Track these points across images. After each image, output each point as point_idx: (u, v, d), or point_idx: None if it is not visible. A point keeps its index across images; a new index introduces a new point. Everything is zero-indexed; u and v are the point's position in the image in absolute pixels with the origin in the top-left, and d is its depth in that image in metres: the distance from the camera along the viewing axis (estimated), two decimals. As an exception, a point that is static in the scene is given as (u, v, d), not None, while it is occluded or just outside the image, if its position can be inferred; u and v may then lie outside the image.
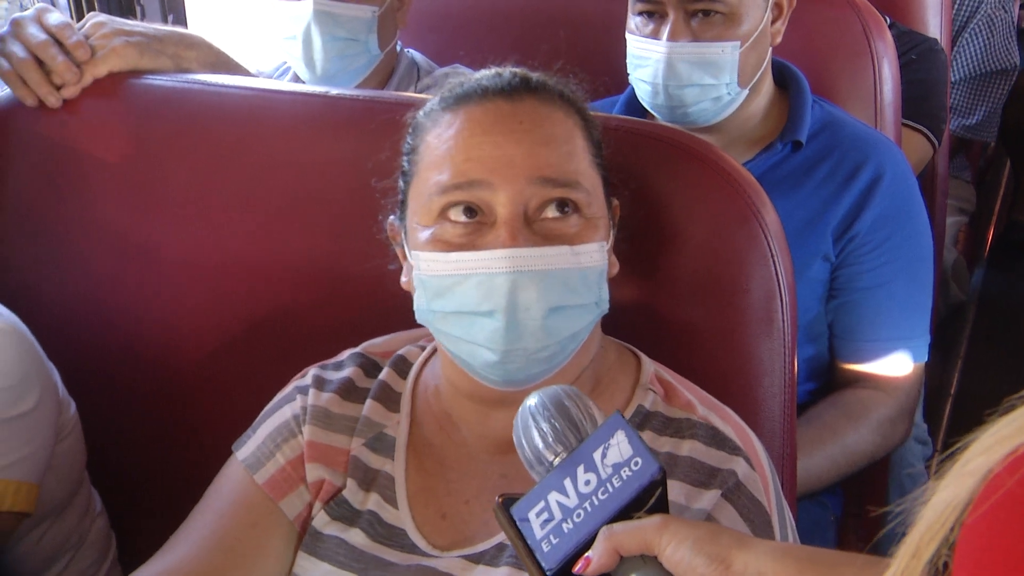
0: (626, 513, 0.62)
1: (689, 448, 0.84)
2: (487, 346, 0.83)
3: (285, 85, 1.49)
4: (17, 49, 1.17)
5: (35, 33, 1.17)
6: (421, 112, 0.91)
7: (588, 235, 0.85)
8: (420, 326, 0.90)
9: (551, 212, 0.84)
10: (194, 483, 0.95)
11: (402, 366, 0.97)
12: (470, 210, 0.84)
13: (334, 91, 1.17)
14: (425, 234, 0.86)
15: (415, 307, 0.89)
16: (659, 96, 1.36)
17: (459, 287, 0.83)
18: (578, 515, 0.63)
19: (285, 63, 1.71)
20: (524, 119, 0.84)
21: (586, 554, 0.62)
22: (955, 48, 2.43)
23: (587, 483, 0.63)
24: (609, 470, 0.63)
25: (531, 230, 0.83)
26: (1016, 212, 3.09)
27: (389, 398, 0.95)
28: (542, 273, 0.82)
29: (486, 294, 0.82)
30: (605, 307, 0.88)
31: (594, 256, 0.85)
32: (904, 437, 1.39)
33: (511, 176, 0.82)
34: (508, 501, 0.66)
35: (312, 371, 0.97)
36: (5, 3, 1.87)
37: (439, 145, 0.86)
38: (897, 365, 1.36)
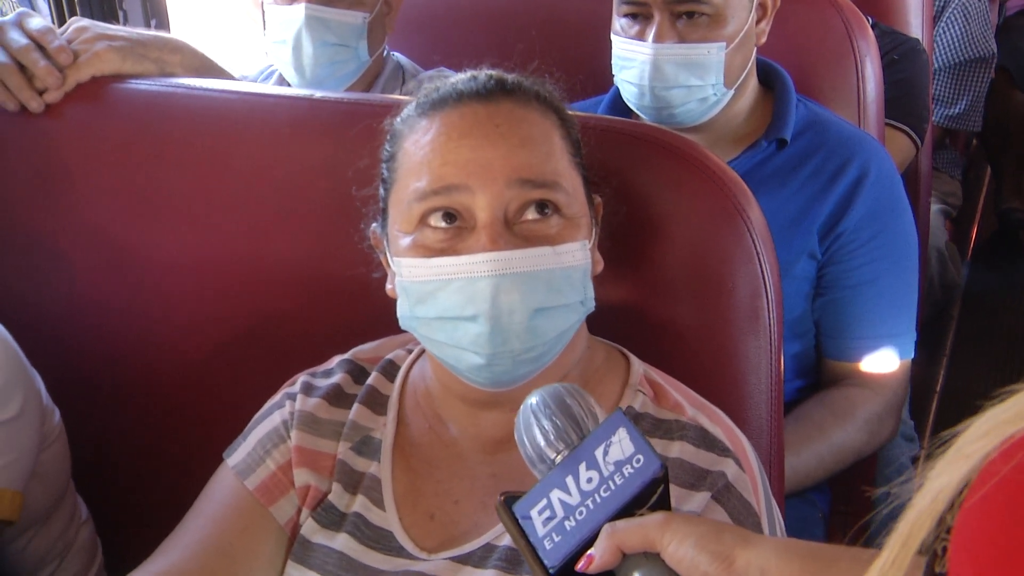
0: (628, 510, 0.62)
1: (679, 450, 0.84)
2: (472, 350, 0.83)
3: (270, 88, 1.48)
4: (-2, 54, 1.16)
5: (16, 38, 1.16)
6: (398, 119, 0.91)
7: (569, 235, 0.85)
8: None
9: (531, 214, 0.84)
10: (181, 490, 0.95)
11: (390, 370, 0.97)
12: (450, 215, 0.84)
13: (319, 94, 1.17)
14: (406, 241, 0.85)
15: (399, 314, 0.88)
16: (645, 97, 1.36)
17: (441, 292, 0.83)
18: (580, 513, 0.62)
19: (270, 67, 1.70)
20: (500, 122, 0.84)
21: (588, 552, 0.62)
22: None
23: (589, 481, 0.63)
24: (611, 467, 0.63)
25: (511, 232, 0.83)
26: (1002, 201, 3.09)
27: (376, 402, 0.95)
28: (524, 275, 0.81)
29: (469, 298, 0.82)
30: (591, 305, 0.88)
31: (576, 255, 0.85)
32: (891, 434, 1.39)
33: (489, 179, 0.82)
34: (510, 499, 0.65)
35: (301, 378, 0.97)
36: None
37: (416, 151, 0.86)
38: (884, 362, 1.36)
